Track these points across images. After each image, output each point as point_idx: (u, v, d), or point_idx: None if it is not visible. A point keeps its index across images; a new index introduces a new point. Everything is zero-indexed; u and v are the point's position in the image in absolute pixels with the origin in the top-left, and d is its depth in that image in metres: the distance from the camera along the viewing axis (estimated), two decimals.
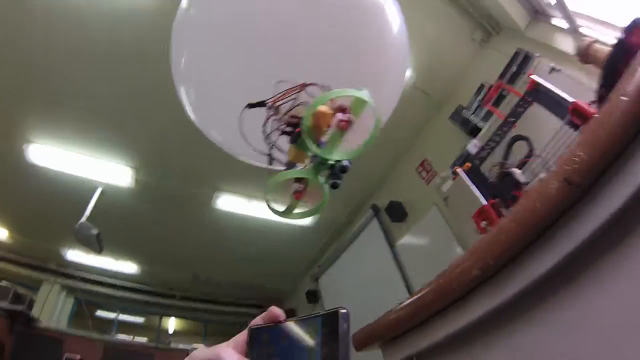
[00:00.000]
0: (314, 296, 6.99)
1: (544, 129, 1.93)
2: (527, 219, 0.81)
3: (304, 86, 0.92)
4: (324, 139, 0.85)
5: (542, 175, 1.67)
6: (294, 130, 0.90)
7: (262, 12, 1.14)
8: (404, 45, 1.35)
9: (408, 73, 4.09)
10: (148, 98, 4.34)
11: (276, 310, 0.53)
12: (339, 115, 0.80)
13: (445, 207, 3.80)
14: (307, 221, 6.16)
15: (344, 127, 0.80)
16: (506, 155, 1.89)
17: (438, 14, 4.03)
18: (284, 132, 0.92)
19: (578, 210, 0.76)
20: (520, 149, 1.88)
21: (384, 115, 1.32)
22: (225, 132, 1.39)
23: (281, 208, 0.92)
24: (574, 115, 1.64)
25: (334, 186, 0.85)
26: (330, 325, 0.42)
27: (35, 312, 4.80)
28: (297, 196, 0.86)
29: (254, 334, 0.53)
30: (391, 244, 5.19)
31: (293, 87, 0.92)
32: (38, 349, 4.20)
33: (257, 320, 0.55)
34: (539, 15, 3.90)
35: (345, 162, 0.84)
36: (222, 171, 5.18)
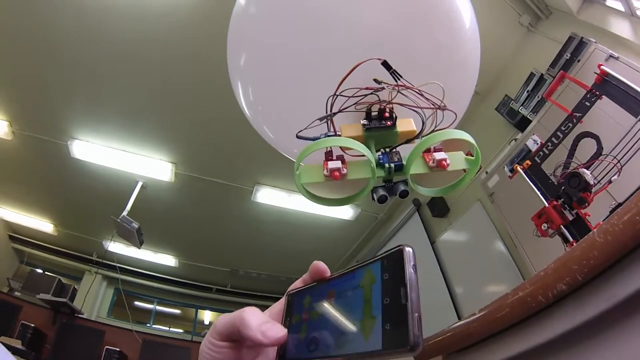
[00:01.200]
0: None
1: (612, 125, 1.79)
2: (624, 233, 0.72)
3: (438, 108, 0.83)
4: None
5: (614, 177, 1.55)
6: (381, 119, 0.81)
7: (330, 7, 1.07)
8: (477, 41, 1.26)
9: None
10: (188, 95, 4.37)
11: (320, 265, 0.42)
12: (442, 155, 0.76)
13: (491, 203, 3.67)
14: (347, 214, 6.09)
15: (444, 167, 0.76)
16: (571, 153, 1.76)
17: None
18: (367, 112, 0.82)
19: None
20: (585, 148, 1.74)
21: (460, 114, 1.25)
22: (278, 130, 1.35)
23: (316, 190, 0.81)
24: None
25: (381, 200, 0.77)
26: (393, 269, 0.34)
27: (77, 301, 4.94)
28: (336, 176, 0.75)
29: (293, 300, 0.44)
30: (432, 240, 5.06)
31: (428, 94, 0.81)
32: (79, 340, 4.29)
33: (297, 284, 0.46)
34: None
35: (406, 188, 0.76)
36: (262, 165, 5.14)
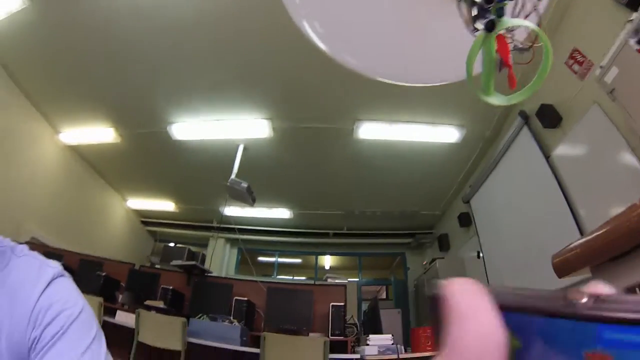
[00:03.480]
0: (466, 219, 6.71)
1: None
2: None
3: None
4: None
5: None
6: None
7: None
8: None
9: None
10: (267, 48, 4.32)
11: None
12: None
13: (611, 101, 3.20)
14: (453, 137, 5.72)
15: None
16: None
17: None
18: None
19: None
20: None
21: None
22: (359, 53, 1.35)
23: None
24: None
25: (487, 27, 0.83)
26: None
27: (206, 265, 5.50)
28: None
29: None
30: (546, 155, 4.52)
31: None
32: (212, 295, 4.78)
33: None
34: None
35: (494, 19, 0.83)
36: (359, 100, 4.97)
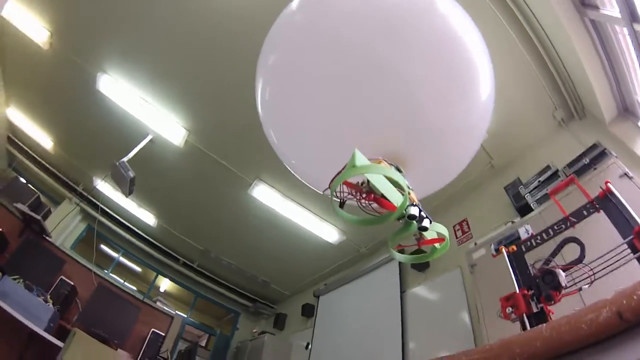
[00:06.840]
0: (309, 310, 6.97)
1: (600, 239, 1.84)
2: (568, 335, 0.81)
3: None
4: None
5: (585, 286, 1.60)
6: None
7: (358, 44, 1.21)
8: (488, 112, 1.36)
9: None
10: (224, 70, 4.44)
11: None
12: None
13: (470, 273, 3.70)
14: (332, 238, 6.20)
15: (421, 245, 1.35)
16: (555, 253, 1.81)
17: (526, 76, 3.85)
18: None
19: (622, 340, 0.77)
20: (569, 250, 1.80)
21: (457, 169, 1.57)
22: (282, 137, 1.49)
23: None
24: (637, 239, 1.55)
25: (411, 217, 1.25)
26: None
27: (48, 223, 4.81)
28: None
29: None
30: (402, 289, 5.09)
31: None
32: (39, 262, 4.18)
33: None
34: (627, 113, 3.68)
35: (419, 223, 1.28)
36: (268, 162, 5.21)
